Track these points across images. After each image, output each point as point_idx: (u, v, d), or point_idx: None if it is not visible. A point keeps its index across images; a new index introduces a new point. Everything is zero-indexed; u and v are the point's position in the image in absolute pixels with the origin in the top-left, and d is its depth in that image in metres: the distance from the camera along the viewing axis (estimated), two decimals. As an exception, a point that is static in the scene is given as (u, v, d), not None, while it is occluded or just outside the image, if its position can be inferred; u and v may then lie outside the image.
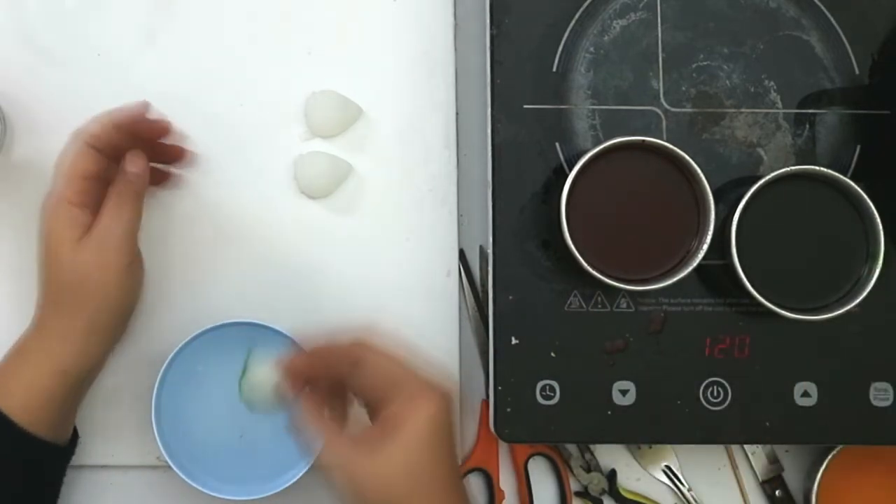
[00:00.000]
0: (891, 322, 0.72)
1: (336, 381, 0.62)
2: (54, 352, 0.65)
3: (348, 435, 0.60)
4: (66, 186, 0.65)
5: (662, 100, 0.73)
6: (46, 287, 0.66)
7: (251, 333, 0.70)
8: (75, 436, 0.70)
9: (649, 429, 0.71)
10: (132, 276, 0.67)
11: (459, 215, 0.77)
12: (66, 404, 0.66)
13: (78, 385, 0.67)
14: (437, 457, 0.58)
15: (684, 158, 0.68)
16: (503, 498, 0.75)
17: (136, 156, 0.67)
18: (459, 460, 0.71)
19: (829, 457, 0.74)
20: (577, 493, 0.76)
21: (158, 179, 0.72)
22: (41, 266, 0.67)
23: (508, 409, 0.70)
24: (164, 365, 0.68)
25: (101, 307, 0.66)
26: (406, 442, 0.57)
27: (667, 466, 0.76)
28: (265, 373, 0.66)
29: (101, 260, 0.65)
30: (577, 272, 0.68)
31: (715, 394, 0.71)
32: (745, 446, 0.76)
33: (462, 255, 0.76)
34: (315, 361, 0.63)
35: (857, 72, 0.74)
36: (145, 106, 0.67)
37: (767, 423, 0.71)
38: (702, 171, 0.68)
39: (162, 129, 0.68)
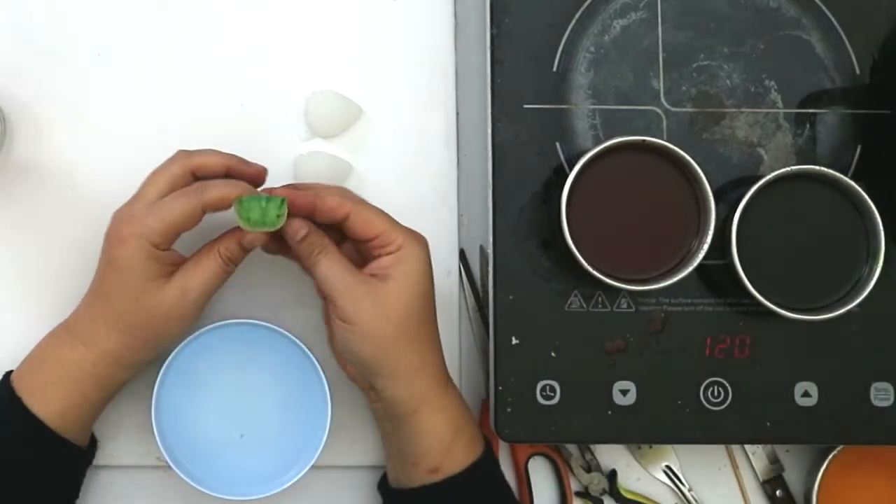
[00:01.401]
0: (891, 322, 0.71)
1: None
2: (104, 371, 0.65)
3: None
4: (160, 234, 0.62)
5: (663, 99, 0.73)
6: (110, 311, 0.65)
7: (251, 333, 0.70)
8: (93, 437, 0.70)
9: (649, 429, 0.71)
10: (195, 322, 0.68)
11: (459, 215, 0.77)
12: (98, 411, 0.68)
13: (112, 394, 0.68)
14: (424, 294, 0.65)
15: (685, 158, 0.68)
16: (503, 498, 0.75)
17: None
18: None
19: (830, 457, 0.74)
20: (578, 493, 0.76)
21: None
22: (103, 289, 0.65)
23: (508, 409, 0.70)
24: (164, 364, 0.68)
25: (163, 345, 0.67)
26: (398, 284, 0.63)
27: (667, 466, 0.76)
28: (265, 199, 0.63)
29: (181, 310, 0.64)
30: (577, 272, 0.68)
31: (715, 394, 0.71)
32: (746, 446, 0.76)
33: (462, 255, 0.76)
34: (308, 200, 0.64)
35: (857, 71, 0.74)
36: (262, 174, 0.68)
37: (768, 423, 0.71)
38: (702, 170, 0.68)
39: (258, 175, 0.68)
